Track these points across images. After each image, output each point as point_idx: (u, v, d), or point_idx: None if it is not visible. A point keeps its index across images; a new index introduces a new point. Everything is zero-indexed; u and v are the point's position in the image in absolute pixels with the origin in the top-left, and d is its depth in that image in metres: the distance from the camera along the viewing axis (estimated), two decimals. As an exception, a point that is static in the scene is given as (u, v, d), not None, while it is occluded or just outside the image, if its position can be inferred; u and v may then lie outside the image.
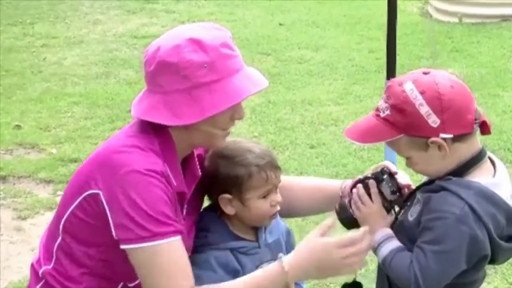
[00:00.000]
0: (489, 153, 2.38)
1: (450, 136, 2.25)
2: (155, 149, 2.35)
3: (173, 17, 10.09)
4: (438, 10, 9.84)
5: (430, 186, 2.35)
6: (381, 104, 2.32)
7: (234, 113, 2.40)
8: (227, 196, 2.54)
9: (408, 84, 2.26)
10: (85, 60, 8.46)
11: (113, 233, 2.30)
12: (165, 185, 2.32)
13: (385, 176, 2.48)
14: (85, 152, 6.06)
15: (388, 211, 2.47)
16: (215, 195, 2.58)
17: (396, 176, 2.52)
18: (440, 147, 2.26)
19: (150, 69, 2.35)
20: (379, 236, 2.40)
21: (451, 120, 2.24)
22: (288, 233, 2.73)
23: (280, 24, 9.76)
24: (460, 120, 2.25)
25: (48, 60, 8.48)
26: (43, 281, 2.46)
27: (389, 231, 2.42)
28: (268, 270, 2.35)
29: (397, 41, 3.81)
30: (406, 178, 2.56)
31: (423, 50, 8.47)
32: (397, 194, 2.49)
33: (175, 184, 2.38)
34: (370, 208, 2.45)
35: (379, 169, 2.52)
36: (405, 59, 7.88)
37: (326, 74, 7.96)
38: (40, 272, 2.47)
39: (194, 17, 10.03)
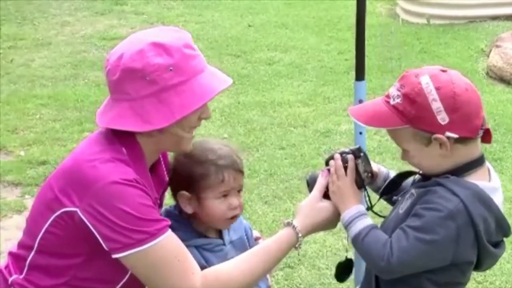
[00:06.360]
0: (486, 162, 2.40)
1: (455, 136, 2.26)
2: (124, 159, 2.32)
3: (142, 19, 10.04)
4: (406, 12, 9.89)
5: (426, 182, 2.36)
6: (393, 91, 2.32)
7: (202, 113, 2.40)
8: (186, 194, 2.54)
9: (425, 78, 2.28)
10: (53, 62, 8.39)
11: (105, 246, 2.27)
12: (143, 190, 2.30)
13: (362, 154, 2.50)
14: (53, 155, 6.02)
15: (359, 188, 2.48)
16: (175, 192, 2.58)
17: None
18: (441, 145, 2.28)
19: (114, 78, 2.31)
20: (354, 211, 2.40)
21: (459, 121, 2.26)
22: (250, 229, 2.76)
23: (249, 26, 9.76)
24: (468, 123, 2.28)
25: (16, 62, 8.40)
26: None
27: (363, 208, 2.42)
28: (279, 235, 2.44)
29: (366, 43, 3.82)
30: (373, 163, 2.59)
31: (392, 51, 8.50)
32: (369, 174, 2.51)
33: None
34: (343, 181, 2.46)
35: (356, 147, 2.54)
36: (374, 60, 7.91)
37: (295, 75, 7.97)
38: (10, 280, 2.44)
39: (163, 18, 10.00)
